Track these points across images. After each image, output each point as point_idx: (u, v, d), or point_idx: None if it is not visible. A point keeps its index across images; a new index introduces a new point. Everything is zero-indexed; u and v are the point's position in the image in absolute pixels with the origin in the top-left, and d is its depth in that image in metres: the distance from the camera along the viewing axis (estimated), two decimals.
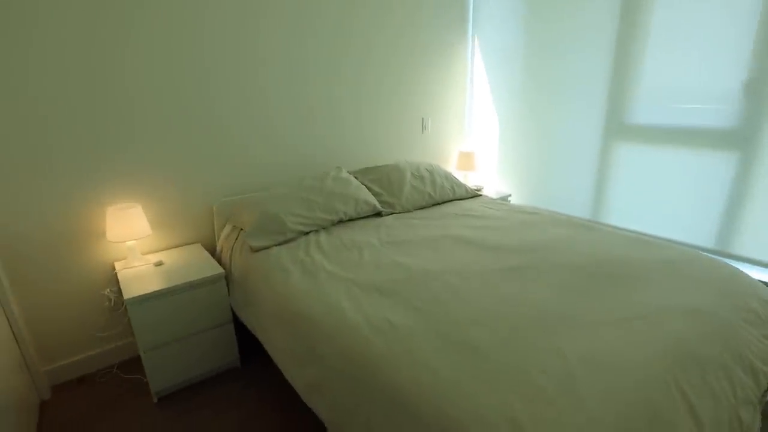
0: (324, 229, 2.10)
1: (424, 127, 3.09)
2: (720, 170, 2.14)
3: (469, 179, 3.32)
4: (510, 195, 3.20)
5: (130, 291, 1.75)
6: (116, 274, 1.95)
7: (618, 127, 2.53)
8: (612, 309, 1.29)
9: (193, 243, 2.25)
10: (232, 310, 2.00)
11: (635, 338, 1.14)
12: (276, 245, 1.92)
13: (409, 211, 2.40)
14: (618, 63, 2.45)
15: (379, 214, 2.31)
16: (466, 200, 2.61)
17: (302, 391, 1.41)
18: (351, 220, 2.22)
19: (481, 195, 2.77)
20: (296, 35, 2.34)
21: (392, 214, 2.34)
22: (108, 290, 2.04)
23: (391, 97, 2.85)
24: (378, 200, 2.36)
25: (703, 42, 2.09)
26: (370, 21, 2.61)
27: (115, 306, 2.07)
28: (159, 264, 1.99)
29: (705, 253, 1.78)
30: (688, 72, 2.17)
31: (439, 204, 2.54)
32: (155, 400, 1.88)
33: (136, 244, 1.98)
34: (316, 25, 2.40)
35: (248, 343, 2.18)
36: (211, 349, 1.97)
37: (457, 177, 2.79)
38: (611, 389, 0.97)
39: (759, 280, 1.59)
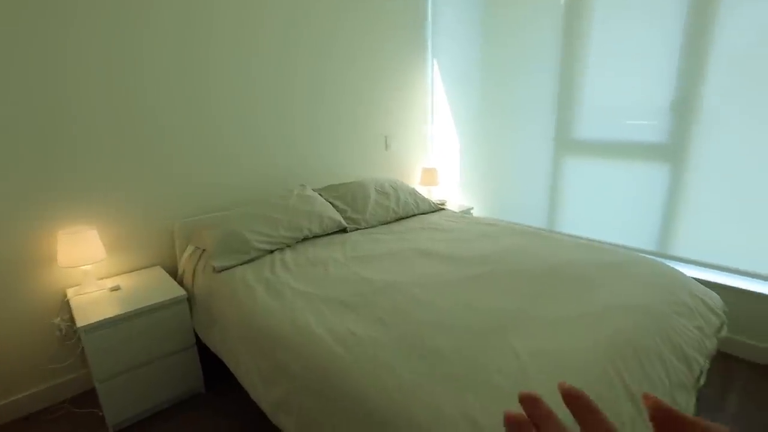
0: (289, 246, 2.11)
1: (387, 145, 3.19)
2: (656, 180, 2.36)
3: (432, 194, 3.43)
4: (472, 208, 3.33)
5: (83, 318, 1.68)
6: (68, 301, 1.86)
7: (566, 142, 2.72)
8: (562, 309, 1.38)
9: (152, 266, 2.19)
10: (195, 333, 1.96)
11: (581, 334, 1.23)
12: (240, 265, 1.92)
13: (374, 226, 2.45)
14: (563, 83, 2.66)
15: (344, 230, 2.35)
16: (430, 214, 2.70)
17: (269, 410, 1.40)
18: (316, 237, 2.25)
19: (444, 209, 2.87)
20: (250, 57, 2.38)
21: (357, 229, 2.39)
22: (59, 319, 1.94)
23: (355, 117, 2.94)
24: (343, 216, 2.40)
25: (636, 65, 2.31)
26: (325, 43, 2.70)
27: (67, 336, 1.97)
28: (115, 289, 1.92)
29: (646, 255, 1.94)
30: (623, 92, 2.39)
31: (403, 219, 2.61)
32: None
33: (90, 268, 1.91)
34: (270, 47, 2.46)
35: (213, 367, 2.12)
36: (173, 375, 1.91)
37: (420, 192, 2.88)
38: (558, 380, 1.04)
39: (692, 277, 1.75)
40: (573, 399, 0.31)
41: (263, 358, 1.44)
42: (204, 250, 2.03)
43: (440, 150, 3.54)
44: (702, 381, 1.32)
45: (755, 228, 2.06)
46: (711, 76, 2.07)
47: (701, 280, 2.08)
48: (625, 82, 2.37)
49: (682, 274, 1.74)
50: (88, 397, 2.01)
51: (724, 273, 2.20)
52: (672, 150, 2.27)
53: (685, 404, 1.17)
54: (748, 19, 1.93)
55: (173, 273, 2.20)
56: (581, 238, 2.52)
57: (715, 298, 1.64)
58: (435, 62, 3.36)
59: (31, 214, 1.82)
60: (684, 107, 2.18)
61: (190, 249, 2.15)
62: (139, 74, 2.01)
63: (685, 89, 2.17)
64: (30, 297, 1.88)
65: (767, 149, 1.97)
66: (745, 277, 2.13)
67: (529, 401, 0.30)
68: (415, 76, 3.27)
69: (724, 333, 1.57)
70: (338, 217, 2.34)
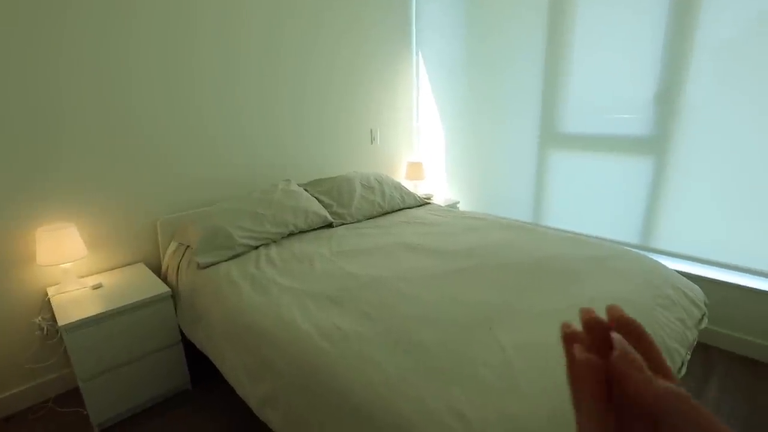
0: (274, 242, 2.09)
1: (373, 139, 3.17)
2: (640, 173, 2.38)
3: (418, 188, 3.43)
4: (458, 202, 3.34)
5: (64, 317, 1.64)
6: (49, 299, 1.82)
7: (551, 136, 2.73)
8: (547, 302, 1.39)
9: (135, 263, 2.16)
10: (180, 330, 1.93)
11: None
12: (225, 261, 1.89)
13: (359, 221, 2.44)
14: (548, 78, 2.66)
15: (330, 226, 2.34)
16: (416, 209, 2.70)
17: (255, 406, 1.39)
18: (302, 232, 2.23)
19: (430, 203, 2.87)
20: (234, 53, 2.34)
21: (343, 224, 2.37)
22: (40, 318, 1.90)
23: (340, 111, 2.91)
24: (328, 211, 2.38)
25: (620, 59, 2.33)
26: (309, 37, 2.66)
27: (49, 335, 1.93)
28: (98, 287, 1.88)
29: (630, 248, 1.96)
30: (608, 86, 2.40)
31: (389, 213, 2.60)
32: None
33: (71, 266, 1.87)
34: (255, 42, 2.42)
35: (199, 364, 2.11)
36: (159, 373, 1.88)
37: (406, 186, 2.87)
38: (543, 372, 1.05)
39: (674, 270, 1.78)
40: (625, 327, 0.30)
41: (249, 355, 1.43)
42: (188, 246, 2.00)
43: (426, 144, 3.53)
44: (683, 372, 1.35)
45: (737, 220, 2.10)
46: (695, 68, 2.09)
47: (683, 272, 2.11)
48: (610, 75, 2.38)
49: (664, 267, 1.77)
50: (72, 396, 1.98)
51: (705, 265, 2.24)
52: (655, 143, 2.29)
53: None
54: (733, 11, 1.94)
55: (157, 270, 2.16)
56: (566, 231, 2.54)
57: (696, 291, 1.67)
58: (420, 55, 3.34)
59: (8, 212, 1.77)
60: (667, 100, 2.20)
61: (173, 245, 2.11)
62: (120, 69, 1.96)
63: (668, 82, 2.18)
64: (9, 296, 1.83)
65: (750, 142, 2.00)
66: (725, 269, 2.18)
67: (595, 327, 0.30)
68: (399, 69, 3.25)
69: (704, 324, 1.60)
70: (324, 212, 2.32)
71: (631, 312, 1.15)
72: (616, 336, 0.30)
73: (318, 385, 1.16)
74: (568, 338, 0.33)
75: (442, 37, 3.18)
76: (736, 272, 2.15)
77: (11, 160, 1.74)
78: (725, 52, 2.00)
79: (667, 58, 2.16)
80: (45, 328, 1.91)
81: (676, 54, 2.13)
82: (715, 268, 2.21)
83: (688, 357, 1.40)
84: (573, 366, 0.31)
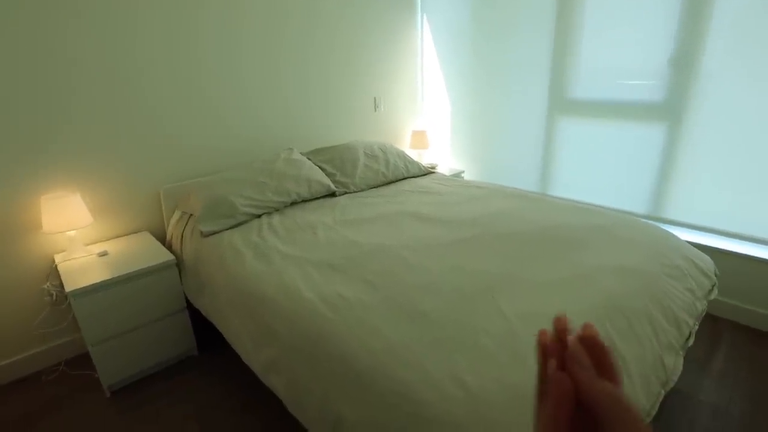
0: (277, 211, 2.07)
1: (376, 107, 3.09)
2: (651, 141, 2.30)
3: (423, 158, 3.36)
4: (463, 171, 3.27)
5: (72, 283, 1.66)
6: (56, 266, 1.84)
7: (560, 102, 2.63)
8: (551, 271, 1.37)
9: (140, 231, 2.16)
10: (186, 297, 1.95)
11: (571, 295, 1.22)
12: (227, 229, 1.88)
13: (363, 190, 2.40)
14: (558, 42, 2.54)
15: (333, 194, 2.31)
16: (420, 178, 2.65)
17: (260, 372, 1.41)
18: (305, 201, 2.20)
19: (434, 172, 2.81)
20: (237, 19, 2.24)
21: (346, 193, 2.34)
22: (48, 284, 1.92)
23: (342, 78, 2.82)
24: (331, 180, 2.34)
25: (634, 23, 2.20)
26: (313, 1, 2.55)
27: (58, 301, 1.96)
28: (103, 254, 1.89)
29: (639, 218, 1.91)
30: (621, 51, 2.29)
31: (392, 182, 2.56)
32: (108, 394, 1.82)
33: (77, 234, 1.87)
34: (258, 10, 2.31)
35: (206, 330, 2.14)
36: (165, 339, 1.92)
37: (410, 155, 2.81)
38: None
39: (685, 240, 1.73)
40: (593, 347, 0.33)
41: (252, 322, 1.44)
42: (191, 215, 1.99)
43: (431, 112, 3.43)
44: (690, 342, 1.33)
45: (750, 191, 2.02)
46: (712, 35, 1.97)
47: (693, 243, 2.07)
48: (623, 40, 2.26)
49: (674, 236, 1.72)
50: (83, 360, 2.03)
51: (717, 236, 2.18)
52: (668, 110, 2.19)
53: (672, 365, 1.18)
54: None
55: (161, 238, 2.17)
56: (573, 200, 2.48)
57: (707, 261, 1.63)
58: (425, 20, 3.19)
59: (13, 181, 1.76)
60: (682, 65, 2.09)
61: (177, 214, 2.11)
62: (125, 38, 1.90)
63: (684, 46, 2.07)
64: (18, 263, 1.85)
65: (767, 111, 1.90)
66: (737, 240, 2.12)
67: (565, 337, 0.34)
68: (404, 34, 3.12)
69: (714, 295, 1.57)
70: (327, 180, 2.28)
71: (638, 281, 1.12)
72: (571, 339, 0.34)
73: (321, 352, 1.16)
74: (542, 349, 0.36)
75: (449, 1, 3.02)
76: (749, 243, 2.10)
77: (15, 128, 1.72)
78: (745, 20, 1.87)
79: (684, 23, 2.04)
80: (54, 294, 1.94)
81: (694, 19, 2.00)
82: (727, 238, 2.16)
83: (696, 327, 1.38)
84: (544, 379, 0.34)
